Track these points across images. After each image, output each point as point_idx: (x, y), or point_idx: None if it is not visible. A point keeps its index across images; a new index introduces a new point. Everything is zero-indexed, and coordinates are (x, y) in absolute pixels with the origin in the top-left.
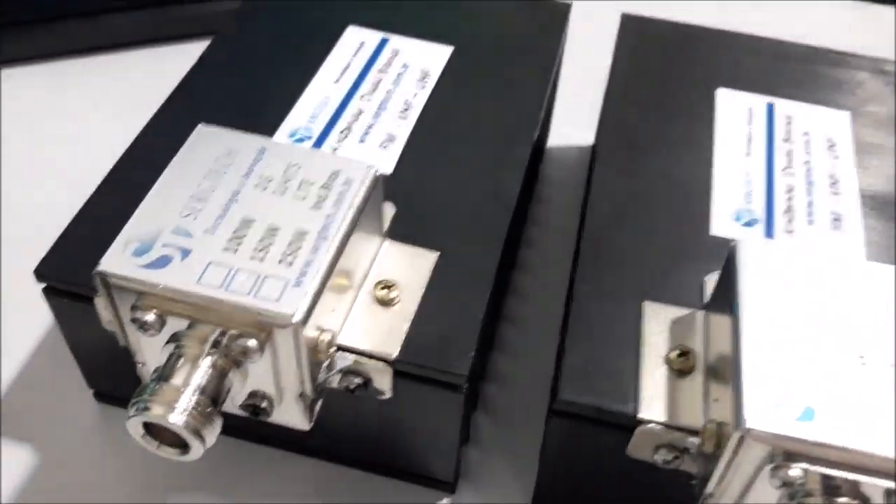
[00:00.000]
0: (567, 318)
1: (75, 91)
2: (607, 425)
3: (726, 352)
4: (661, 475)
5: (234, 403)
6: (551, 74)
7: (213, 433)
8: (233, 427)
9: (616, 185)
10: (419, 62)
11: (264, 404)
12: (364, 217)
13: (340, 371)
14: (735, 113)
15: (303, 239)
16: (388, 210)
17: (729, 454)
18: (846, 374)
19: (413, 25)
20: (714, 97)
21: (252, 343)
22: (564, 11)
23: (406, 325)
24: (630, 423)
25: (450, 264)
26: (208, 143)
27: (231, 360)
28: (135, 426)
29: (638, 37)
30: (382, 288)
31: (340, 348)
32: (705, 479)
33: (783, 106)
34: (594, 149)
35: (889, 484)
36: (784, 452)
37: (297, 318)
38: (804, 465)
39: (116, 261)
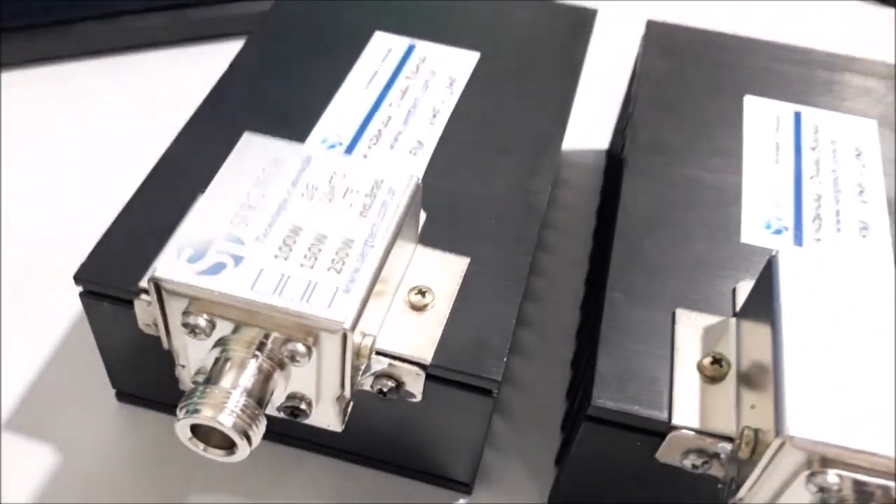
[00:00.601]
0: (591, 324)
1: (91, 93)
2: (640, 431)
3: (762, 360)
4: (682, 479)
5: (273, 406)
6: (577, 80)
7: (258, 434)
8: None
9: (646, 192)
10: (446, 68)
11: (303, 406)
12: (405, 225)
13: (373, 374)
14: (763, 120)
15: (350, 246)
16: (421, 217)
17: (767, 460)
18: (884, 382)
19: (439, 31)
20: (741, 105)
21: (301, 347)
22: (590, 16)
23: (439, 330)
24: (663, 429)
25: (481, 270)
26: (255, 151)
27: (276, 362)
28: (183, 428)
29: (664, 43)
30: (416, 293)
31: (377, 353)
32: (736, 484)
33: (810, 114)
34: (609, 153)
35: None
36: (821, 458)
37: (348, 324)
38: (841, 472)
39: (172, 267)
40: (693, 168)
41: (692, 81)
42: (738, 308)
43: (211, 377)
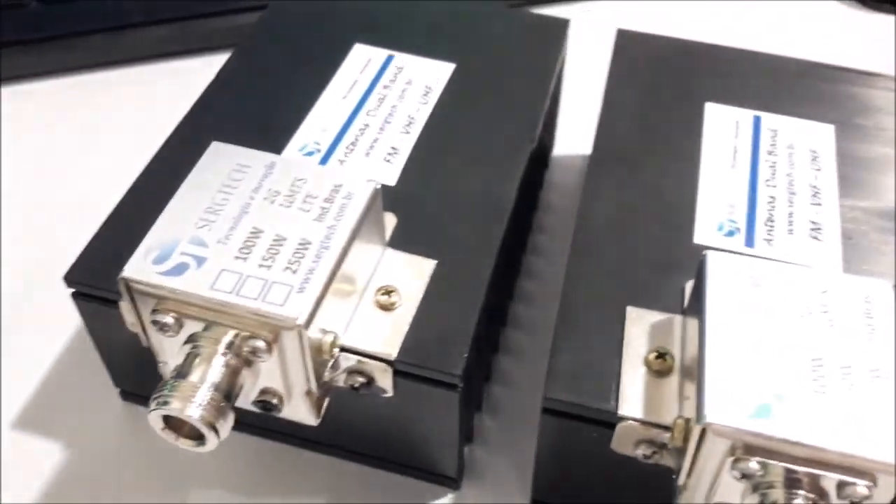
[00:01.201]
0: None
1: (98, 104)
2: (592, 422)
3: (696, 353)
4: (647, 469)
5: (247, 400)
6: (549, 88)
7: (226, 426)
8: (251, 424)
9: (606, 196)
10: (423, 78)
11: (275, 401)
12: (364, 227)
13: (345, 371)
14: (723, 126)
15: (307, 248)
16: (390, 220)
17: (693, 447)
18: (802, 375)
19: (417, 43)
20: (703, 111)
21: (261, 343)
22: (563, 26)
23: (405, 328)
24: (611, 420)
25: (447, 271)
26: (221, 159)
27: (243, 359)
28: (155, 419)
29: (632, 52)
30: (383, 293)
31: (344, 349)
32: (675, 472)
33: (770, 119)
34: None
35: (840, 477)
36: (744, 446)
37: (301, 320)
38: (762, 459)
39: (138, 268)
40: (653, 174)
41: (657, 88)
42: (685, 306)
43: (181, 372)
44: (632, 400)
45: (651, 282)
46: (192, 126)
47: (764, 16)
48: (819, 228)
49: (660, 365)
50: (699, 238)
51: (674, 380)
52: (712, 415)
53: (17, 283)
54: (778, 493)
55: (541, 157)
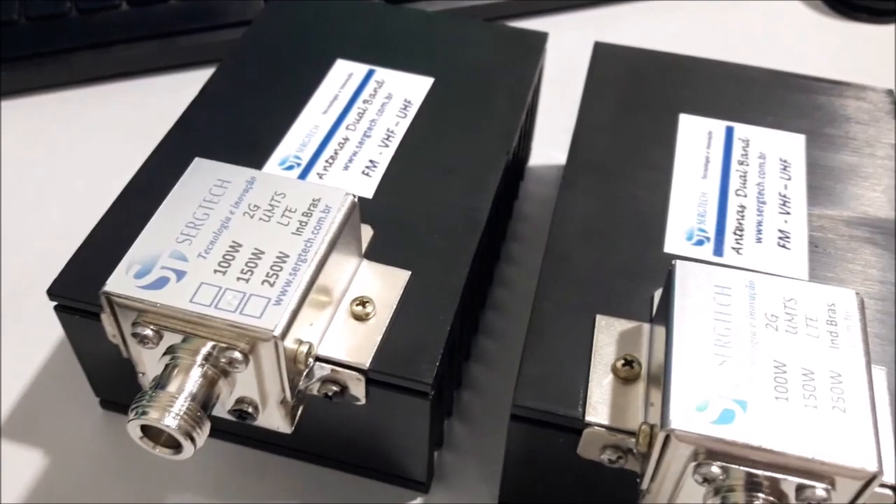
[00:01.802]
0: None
1: (85, 119)
2: (559, 428)
3: (662, 361)
4: (613, 474)
5: (224, 408)
6: (526, 101)
7: (202, 435)
8: (228, 432)
9: (579, 207)
10: (402, 93)
11: (250, 409)
12: (341, 240)
13: (319, 380)
14: (695, 137)
15: (284, 261)
16: (367, 232)
17: (657, 452)
18: (764, 381)
19: (398, 58)
20: (677, 122)
21: (237, 355)
22: (541, 40)
23: (378, 338)
24: (578, 426)
25: (421, 282)
26: (203, 174)
27: (220, 369)
28: (134, 428)
29: (608, 64)
30: (358, 304)
31: (319, 359)
32: (640, 476)
33: (742, 130)
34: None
35: (799, 480)
36: (707, 451)
37: (278, 332)
38: (723, 463)
39: (120, 282)
40: (625, 184)
41: (633, 100)
42: (653, 314)
43: (160, 382)
44: (598, 406)
45: (621, 290)
46: (175, 142)
47: (739, 27)
48: (787, 237)
49: (627, 372)
50: (669, 247)
51: (640, 387)
52: (676, 421)
53: (1, 296)
54: (738, 496)
55: (516, 168)
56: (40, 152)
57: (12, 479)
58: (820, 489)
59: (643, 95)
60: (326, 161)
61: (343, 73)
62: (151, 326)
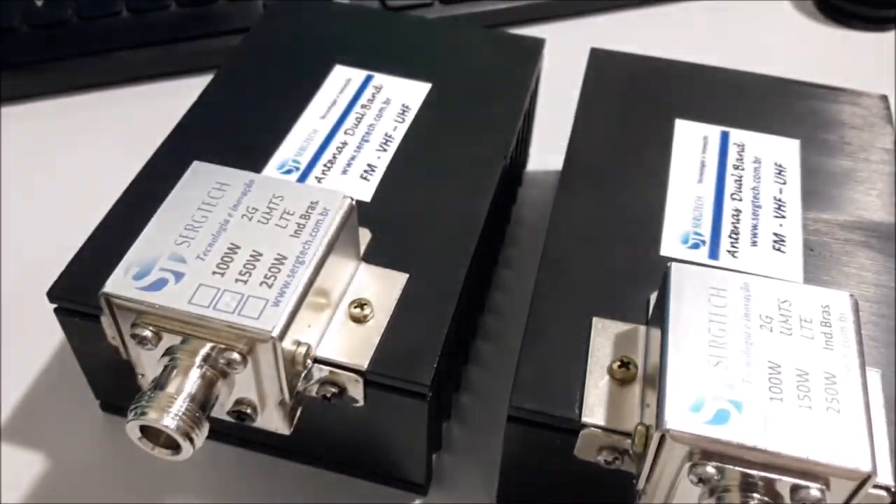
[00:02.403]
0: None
1: (85, 124)
2: (556, 429)
3: (657, 362)
4: (609, 476)
5: (222, 410)
6: (523, 107)
7: (201, 436)
8: (227, 434)
9: (576, 211)
10: (400, 98)
11: (249, 410)
12: (339, 242)
13: (318, 381)
14: (691, 142)
15: (282, 263)
16: (365, 235)
17: (652, 453)
18: (759, 381)
19: (396, 64)
20: (673, 127)
21: (236, 356)
22: (538, 46)
23: (376, 340)
24: (574, 427)
25: (419, 284)
26: (202, 178)
27: (219, 370)
28: (133, 429)
29: (605, 70)
30: (356, 306)
31: (317, 360)
32: (636, 477)
33: (737, 135)
34: None
35: (794, 481)
36: (701, 451)
37: (276, 332)
38: (718, 464)
39: (119, 283)
40: (622, 188)
41: (630, 106)
42: (650, 316)
43: (158, 383)
44: (595, 408)
45: (618, 293)
46: (174, 146)
47: (734, 35)
48: (782, 240)
49: (623, 374)
50: (665, 251)
51: (636, 388)
52: (671, 421)
53: (1, 299)
54: (734, 497)
55: (514, 173)
56: (41, 157)
57: (12, 481)
58: (814, 489)
59: (639, 101)
60: (325, 165)
61: (341, 79)
62: (150, 328)
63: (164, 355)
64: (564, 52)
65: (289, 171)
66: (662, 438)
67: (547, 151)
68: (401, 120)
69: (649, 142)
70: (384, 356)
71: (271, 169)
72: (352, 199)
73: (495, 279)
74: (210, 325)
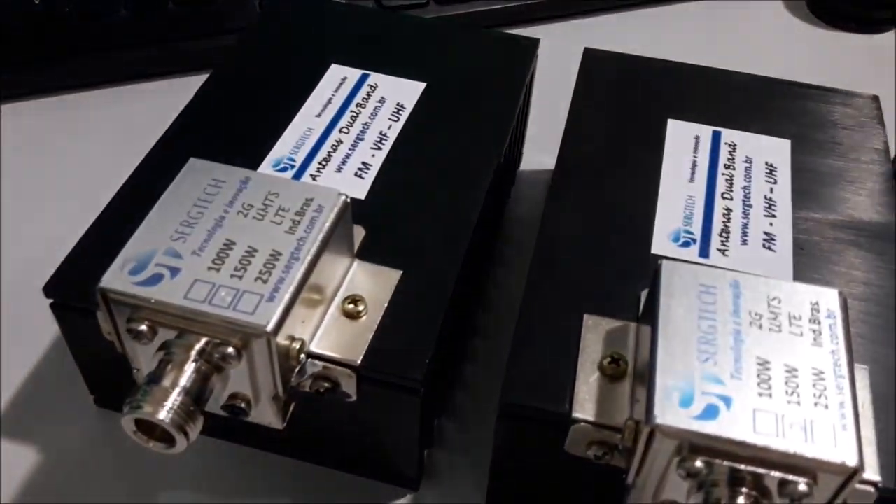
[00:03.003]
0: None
1: (81, 122)
2: (546, 424)
3: (647, 358)
4: (599, 471)
5: (216, 404)
6: (517, 106)
7: (195, 429)
8: (221, 429)
9: (568, 209)
10: (395, 97)
11: (243, 405)
12: (334, 239)
13: (311, 376)
14: (683, 142)
15: (277, 259)
16: (359, 233)
17: (641, 448)
18: (748, 377)
19: (391, 63)
20: (666, 127)
21: (231, 350)
22: (532, 46)
23: (369, 336)
24: (564, 422)
25: (412, 281)
26: (198, 174)
27: (213, 365)
28: (128, 423)
29: (598, 70)
30: (350, 303)
31: (310, 356)
32: (625, 472)
33: (728, 135)
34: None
35: (782, 476)
36: (690, 446)
37: (270, 328)
38: (706, 458)
39: (115, 279)
40: (613, 187)
41: (622, 105)
42: (640, 313)
43: (154, 377)
44: (585, 403)
45: (609, 291)
46: (171, 143)
47: (727, 36)
48: (772, 239)
49: (613, 370)
50: (656, 249)
51: (627, 384)
52: (660, 416)
53: None
54: (721, 491)
55: (507, 171)
56: (37, 154)
57: (7, 477)
58: (802, 484)
59: (632, 101)
60: (320, 163)
61: (337, 78)
62: (146, 322)
63: (159, 350)
64: (558, 52)
65: (284, 169)
66: (652, 433)
67: (540, 151)
68: (395, 119)
69: (641, 141)
70: (377, 352)
71: (267, 166)
72: (346, 197)
73: (488, 276)
74: (205, 320)
